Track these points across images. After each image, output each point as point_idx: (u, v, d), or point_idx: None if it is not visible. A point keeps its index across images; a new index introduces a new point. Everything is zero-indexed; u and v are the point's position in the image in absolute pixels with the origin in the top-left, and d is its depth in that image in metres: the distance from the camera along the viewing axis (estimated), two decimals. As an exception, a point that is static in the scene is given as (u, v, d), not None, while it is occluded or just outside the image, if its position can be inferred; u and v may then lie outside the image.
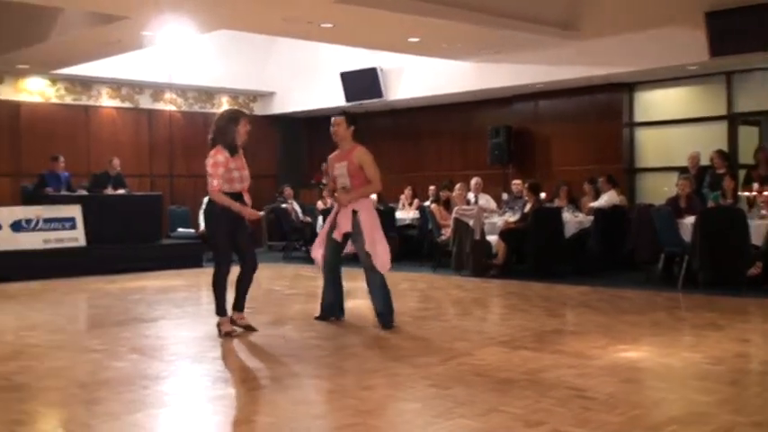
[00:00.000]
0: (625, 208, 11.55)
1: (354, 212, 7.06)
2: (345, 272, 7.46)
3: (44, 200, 12.44)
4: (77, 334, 7.27)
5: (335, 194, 7.23)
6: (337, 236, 7.15)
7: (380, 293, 7.10)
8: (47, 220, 12.12)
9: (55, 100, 15.22)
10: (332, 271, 7.34)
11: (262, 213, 6.68)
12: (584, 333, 6.83)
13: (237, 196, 6.72)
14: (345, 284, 7.53)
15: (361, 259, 7.11)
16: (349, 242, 7.23)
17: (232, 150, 6.67)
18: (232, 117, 6.79)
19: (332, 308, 7.44)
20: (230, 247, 6.79)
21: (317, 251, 7.39)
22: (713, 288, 9.25)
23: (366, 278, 7.13)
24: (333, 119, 7.27)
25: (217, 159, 6.62)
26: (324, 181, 7.82)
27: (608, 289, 9.66)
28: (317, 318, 7.47)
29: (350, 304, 7.70)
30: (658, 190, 12.94)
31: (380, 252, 7.01)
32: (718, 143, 12.19)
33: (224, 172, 6.61)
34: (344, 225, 7.09)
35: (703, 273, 9.46)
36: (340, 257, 7.34)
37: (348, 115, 7.34)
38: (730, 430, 4.06)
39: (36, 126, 14.89)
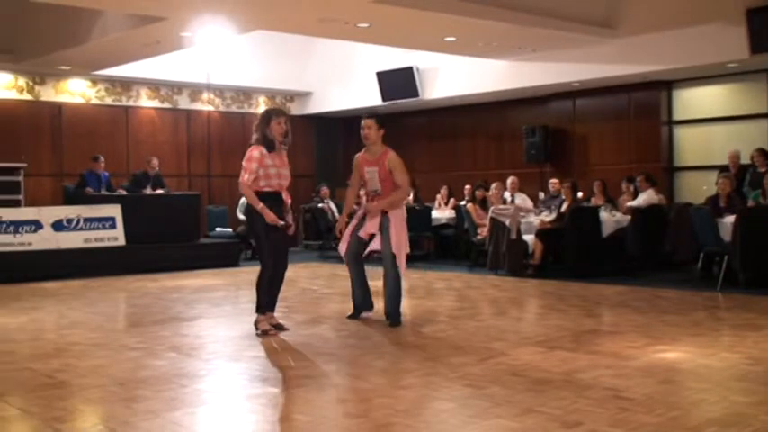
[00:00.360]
0: (663, 207, 11.44)
1: (384, 213, 7.18)
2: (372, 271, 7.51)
3: (85, 200, 12.59)
4: (117, 332, 7.34)
5: (365, 203, 7.35)
6: (363, 234, 7.29)
7: (393, 292, 7.26)
8: (87, 220, 12.27)
9: (95, 101, 15.40)
10: (356, 266, 7.45)
11: (282, 224, 6.69)
12: (621, 333, 6.78)
13: (276, 195, 6.76)
14: (373, 284, 7.61)
15: (383, 258, 7.24)
16: (374, 240, 7.35)
17: (269, 147, 6.72)
18: (265, 115, 6.87)
19: (363, 305, 7.59)
20: (274, 247, 6.82)
21: (343, 246, 7.50)
22: (753, 288, 9.15)
23: (384, 275, 7.28)
24: (363, 121, 7.30)
25: (251, 155, 6.70)
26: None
27: (646, 289, 9.59)
28: (349, 316, 7.59)
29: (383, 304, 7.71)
30: (697, 189, 12.81)
31: (402, 256, 7.17)
32: (759, 141, 12.02)
33: (258, 167, 6.66)
34: (372, 226, 7.22)
35: (743, 272, 9.35)
36: (362, 253, 7.46)
37: (377, 117, 7.37)
38: (770, 432, 4.02)
39: (77, 127, 15.09)
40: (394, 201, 7.21)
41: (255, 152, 6.69)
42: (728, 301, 8.75)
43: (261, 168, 6.68)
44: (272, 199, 6.72)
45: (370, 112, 7.57)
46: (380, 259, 7.36)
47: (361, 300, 7.57)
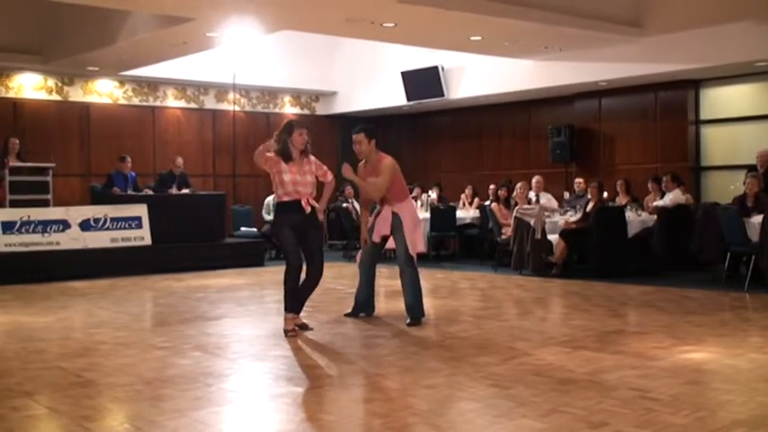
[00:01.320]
0: (690, 207, 11.36)
1: (395, 214, 7.29)
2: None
3: (112, 199, 12.68)
4: (143, 331, 7.40)
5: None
6: (376, 238, 7.42)
7: (413, 289, 7.35)
8: (114, 220, 12.35)
9: (123, 101, 15.53)
10: (367, 270, 7.61)
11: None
12: (647, 333, 6.74)
13: (294, 203, 6.86)
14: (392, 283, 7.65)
15: (398, 258, 7.36)
16: (390, 239, 7.47)
17: (286, 157, 6.85)
18: (287, 126, 6.99)
19: (364, 305, 7.73)
20: (296, 245, 6.87)
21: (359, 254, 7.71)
22: (781, 289, 9.08)
23: (401, 273, 7.38)
24: (354, 136, 7.46)
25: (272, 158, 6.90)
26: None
27: (672, 289, 9.53)
28: (347, 314, 7.74)
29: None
30: (725, 189, 12.71)
31: (418, 242, 7.34)
32: (788, 141, 11.93)
33: (278, 179, 6.85)
34: (383, 228, 7.35)
35: (771, 273, 9.28)
36: (376, 258, 7.64)
37: (366, 130, 7.48)
38: (798, 434, 3.99)
39: (104, 127, 15.23)
40: (361, 185, 7.46)
41: (274, 156, 6.89)
42: (756, 301, 8.68)
43: (276, 175, 6.85)
44: (289, 207, 6.87)
45: (360, 126, 7.60)
46: (396, 258, 7.46)
47: (365, 300, 7.72)
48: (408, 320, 7.29)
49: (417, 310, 7.35)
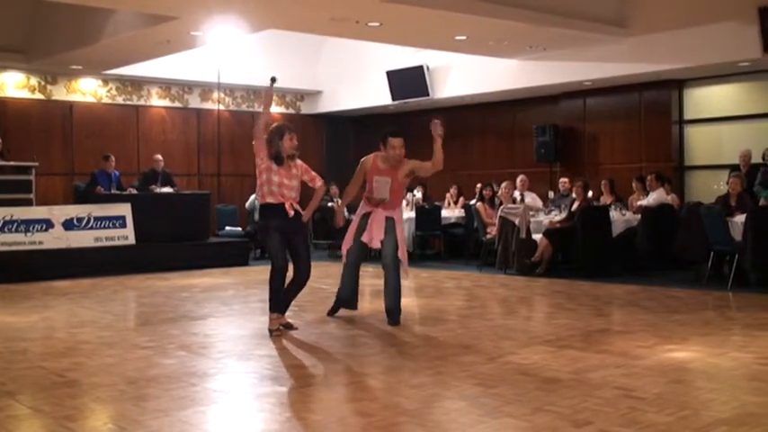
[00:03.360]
0: (673, 206, 11.41)
1: (389, 218, 7.28)
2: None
3: (95, 199, 12.62)
4: (127, 331, 7.36)
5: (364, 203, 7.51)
6: (371, 242, 7.34)
7: (394, 291, 7.37)
8: (98, 219, 12.29)
9: (106, 100, 15.46)
10: (353, 270, 7.60)
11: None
12: (631, 332, 6.77)
13: (279, 207, 6.83)
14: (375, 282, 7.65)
15: (385, 259, 7.33)
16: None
17: (278, 161, 6.82)
18: (276, 130, 6.93)
19: (347, 302, 7.73)
20: (280, 245, 6.86)
21: (345, 246, 7.61)
22: (764, 287, 9.13)
23: (385, 276, 7.38)
24: (394, 140, 7.32)
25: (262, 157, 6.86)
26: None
27: (656, 288, 9.57)
28: (329, 313, 7.75)
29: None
30: (708, 188, 12.77)
31: (405, 256, 7.34)
32: (771, 141, 11.99)
33: (265, 177, 6.82)
34: (379, 233, 7.30)
35: (754, 272, 9.33)
36: (362, 259, 7.63)
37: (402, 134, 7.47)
38: (781, 432, 4.01)
39: (88, 126, 15.15)
40: (435, 158, 7.47)
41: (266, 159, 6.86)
42: (739, 300, 8.72)
43: (265, 173, 6.82)
44: (273, 211, 6.84)
45: (397, 129, 7.56)
46: (382, 257, 7.43)
47: (348, 297, 7.71)
48: (388, 322, 7.30)
49: (397, 314, 7.35)
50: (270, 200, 6.85)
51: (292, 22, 11.60)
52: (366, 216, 7.37)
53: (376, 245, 7.32)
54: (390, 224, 7.28)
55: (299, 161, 7.03)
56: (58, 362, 5.86)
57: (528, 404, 4.52)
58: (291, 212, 6.86)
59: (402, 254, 7.27)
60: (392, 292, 7.37)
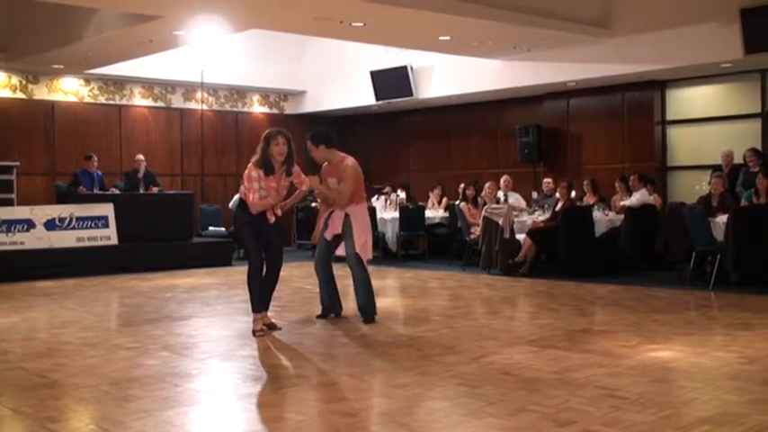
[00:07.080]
0: (656, 206, 11.46)
1: (347, 215, 7.36)
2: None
3: (77, 199, 12.56)
4: (109, 332, 7.33)
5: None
6: (328, 235, 7.49)
7: (364, 290, 7.45)
8: (80, 219, 12.24)
9: (88, 99, 15.37)
10: (324, 271, 7.63)
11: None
12: (614, 332, 6.79)
13: (261, 213, 6.86)
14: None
15: (348, 258, 7.42)
16: (340, 245, 7.52)
17: (267, 169, 6.78)
18: (265, 137, 6.90)
19: (331, 308, 7.74)
20: (255, 240, 6.89)
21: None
22: (745, 287, 9.18)
23: (352, 275, 7.47)
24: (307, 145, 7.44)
25: (250, 174, 6.79)
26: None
27: (639, 288, 9.61)
28: (318, 316, 7.72)
29: (377, 304, 7.71)
30: (691, 188, 12.83)
31: (367, 247, 7.40)
32: (752, 141, 12.04)
33: (258, 186, 6.78)
34: (336, 226, 7.42)
35: (735, 272, 9.38)
36: (330, 257, 7.65)
37: (312, 138, 7.46)
38: (763, 431, 4.03)
39: (70, 125, 15.04)
40: (329, 195, 7.41)
41: (254, 172, 6.79)
42: (721, 300, 8.76)
43: (256, 182, 6.78)
44: (255, 215, 6.84)
45: (311, 133, 7.59)
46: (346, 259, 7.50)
47: (329, 302, 7.73)
48: (362, 320, 7.39)
49: (370, 309, 7.44)
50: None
51: (276, 22, 11.57)
52: (330, 215, 7.49)
53: (329, 236, 7.43)
54: (348, 223, 7.36)
55: (296, 168, 7.00)
56: (39, 363, 5.83)
57: (511, 404, 4.53)
58: (272, 219, 6.90)
59: (360, 247, 7.30)
60: (360, 290, 7.45)
